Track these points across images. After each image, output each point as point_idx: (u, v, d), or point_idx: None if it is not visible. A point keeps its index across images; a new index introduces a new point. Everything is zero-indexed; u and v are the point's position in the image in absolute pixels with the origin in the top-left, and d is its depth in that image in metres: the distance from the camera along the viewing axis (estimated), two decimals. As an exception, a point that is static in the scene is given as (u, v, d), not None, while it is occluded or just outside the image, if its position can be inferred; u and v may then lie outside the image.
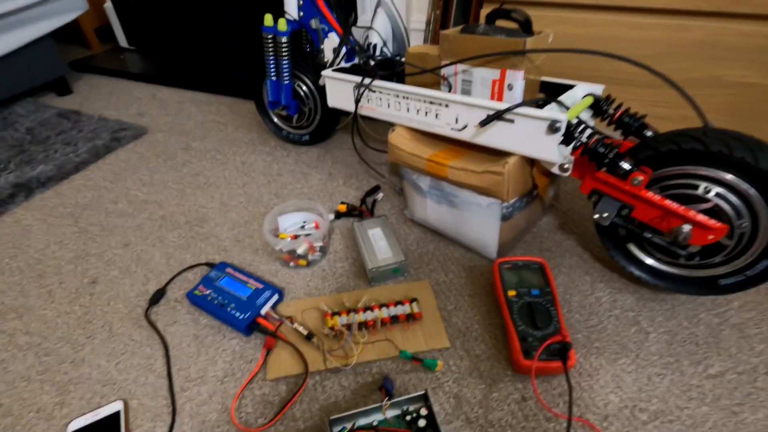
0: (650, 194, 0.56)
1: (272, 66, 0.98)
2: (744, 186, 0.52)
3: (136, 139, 1.19)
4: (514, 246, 0.77)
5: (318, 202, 0.90)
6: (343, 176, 1.00)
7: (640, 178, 0.55)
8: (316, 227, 0.80)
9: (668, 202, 0.55)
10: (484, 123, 0.63)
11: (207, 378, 0.60)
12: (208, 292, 0.69)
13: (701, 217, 0.53)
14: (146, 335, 0.66)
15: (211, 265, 0.76)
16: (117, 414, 0.56)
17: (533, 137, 0.61)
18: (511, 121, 0.62)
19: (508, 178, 0.63)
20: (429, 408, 0.52)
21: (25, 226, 0.90)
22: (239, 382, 0.59)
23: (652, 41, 0.95)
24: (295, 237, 0.78)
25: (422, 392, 0.53)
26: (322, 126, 1.06)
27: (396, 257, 0.72)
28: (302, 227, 0.81)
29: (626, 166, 0.56)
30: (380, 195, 0.91)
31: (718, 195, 0.54)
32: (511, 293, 0.63)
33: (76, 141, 1.16)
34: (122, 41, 1.94)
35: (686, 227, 0.55)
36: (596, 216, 0.61)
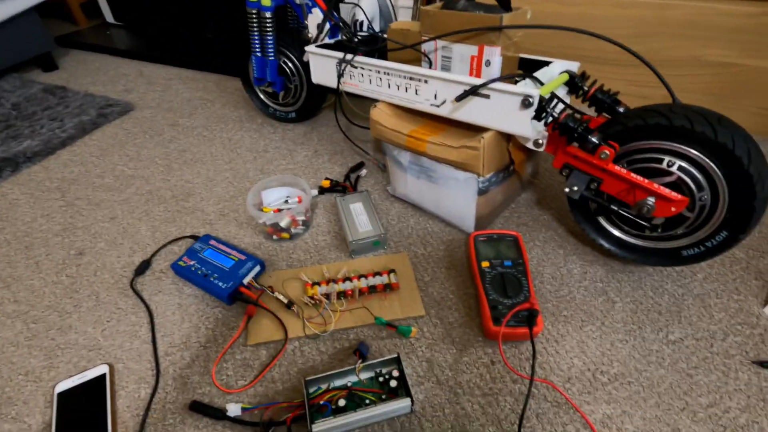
0: (617, 168, 0.58)
1: (257, 42, 0.98)
2: (704, 159, 0.54)
3: (122, 115, 1.19)
4: (491, 221, 0.79)
5: (302, 178, 0.91)
6: (328, 153, 1.01)
7: (607, 152, 0.57)
8: (299, 202, 0.82)
9: (634, 176, 0.57)
10: (460, 98, 0.64)
11: (190, 344, 0.62)
12: (192, 263, 0.71)
13: (664, 190, 0.55)
14: (132, 304, 0.69)
15: (195, 237, 0.78)
16: (103, 376, 0.58)
17: (508, 112, 0.63)
18: (487, 96, 0.64)
19: (483, 153, 0.65)
20: (400, 370, 0.55)
21: (12, 200, 0.91)
22: (221, 347, 0.62)
23: (636, 20, 0.96)
24: (279, 211, 0.80)
25: (395, 355, 0.56)
26: (308, 103, 1.07)
27: (376, 230, 0.74)
28: (286, 201, 0.83)
29: (594, 140, 0.58)
30: (364, 171, 0.93)
31: (680, 168, 0.56)
32: (485, 264, 0.65)
33: (63, 117, 1.16)
34: (109, 17, 1.91)
35: (650, 200, 0.57)
36: (567, 189, 0.63)
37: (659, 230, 0.61)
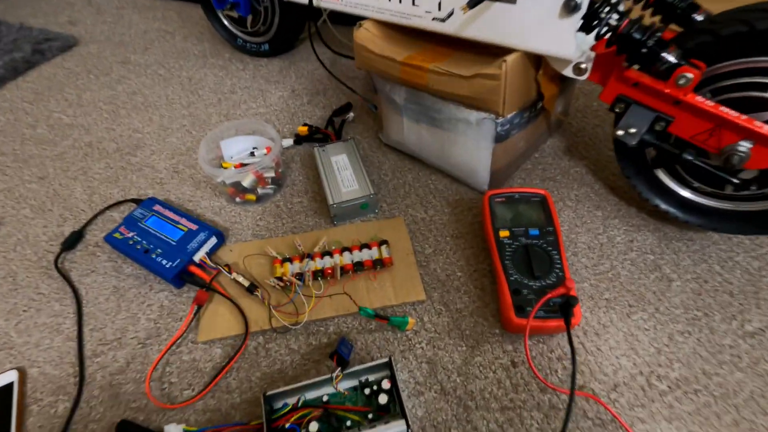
0: (699, 99, 0.41)
1: (211, -53, 0.77)
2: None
3: (64, 51, 1.00)
4: (510, 175, 0.63)
5: (268, 124, 0.74)
6: (308, 93, 0.83)
7: (690, 75, 0.40)
8: (267, 153, 0.65)
9: (725, 110, 0.40)
10: (472, 4, 0.45)
11: (125, 340, 0.49)
12: (130, 234, 0.56)
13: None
14: (56, 288, 0.55)
15: (138, 201, 0.62)
16: (10, 386, 0.45)
17: (541, 23, 0.44)
18: (512, 0, 0.45)
19: (505, 84, 0.47)
20: (393, 379, 0.41)
21: (-75, 156, 0.75)
22: (164, 345, 0.48)
23: None
24: (241, 166, 0.63)
25: (385, 359, 0.42)
26: (282, 31, 0.87)
27: (363, 190, 0.58)
28: (252, 154, 0.66)
29: (670, 58, 0.40)
30: (351, 115, 0.75)
31: (798, 98, 0.38)
32: (504, 234, 0.50)
33: (-8, 54, 0.97)
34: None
35: (745, 145, 0.40)
36: (620, 132, 0.46)
37: (754, 187, 0.44)
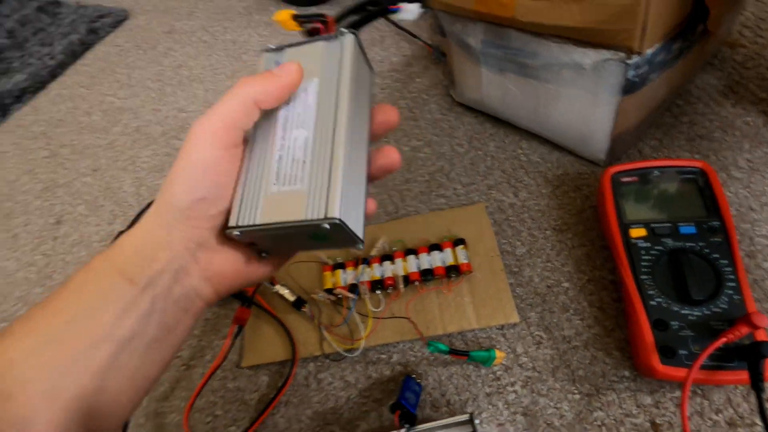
0: None
1: None
2: None
3: (115, 27, 0.95)
4: (639, 137, 0.45)
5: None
6: (364, 45, 0.69)
7: None
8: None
9: None
10: None
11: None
12: (170, 236, 0.50)
13: None
14: (106, 295, 0.51)
15: (179, 195, 0.56)
16: (61, 410, 0.42)
17: None
18: None
19: (646, 1, 0.30)
20: (476, 446, 0.30)
21: (1, 153, 0.76)
22: (207, 367, 0.42)
23: None
24: (285, 147, 0.53)
25: (464, 416, 0.31)
26: (329, -31, 0.72)
27: (315, 202, 0.22)
28: (297, 130, 0.56)
29: None
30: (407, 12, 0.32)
31: None
32: (638, 233, 0.34)
33: (53, 39, 0.96)
34: None
35: None
36: None
37: None
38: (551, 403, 0.33)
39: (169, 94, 0.74)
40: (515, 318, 0.37)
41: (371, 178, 0.26)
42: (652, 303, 0.31)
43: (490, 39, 0.42)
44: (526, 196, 0.45)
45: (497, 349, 0.36)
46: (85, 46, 0.93)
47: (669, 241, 0.33)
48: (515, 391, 0.35)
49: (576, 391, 0.33)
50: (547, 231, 0.42)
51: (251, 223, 0.22)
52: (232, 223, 0.23)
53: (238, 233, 0.23)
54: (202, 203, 0.23)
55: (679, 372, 0.29)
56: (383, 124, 0.27)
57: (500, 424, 0.33)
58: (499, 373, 0.36)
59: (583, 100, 0.39)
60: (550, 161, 0.46)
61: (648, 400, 0.32)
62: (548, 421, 0.33)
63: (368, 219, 0.25)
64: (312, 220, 0.21)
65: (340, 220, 0.21)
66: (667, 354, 0.30)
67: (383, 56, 0.65)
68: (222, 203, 0.23)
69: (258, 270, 0.26)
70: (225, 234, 0.23)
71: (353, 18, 0.30)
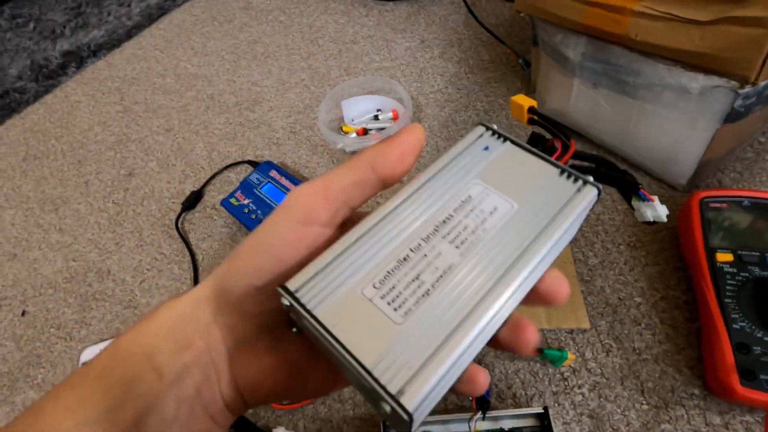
0: None
1: None
2: None
3: (192, -3, 0.98)
4: (720, 169, 0.45)
5: (398, 81, 0.63)
6: (440, 44, 0.70)
7: None
8: (395, 119, 0.56)
9: None
10: None
11: (237, 318, 0.46)
12: (246, 201, 0.52)
13: None
14: (176, 249, 0.53)
15: (254, 164, 0.58)
16: (131, 350, 0.44)
17: None
18: None
19: (774, 34, 0.31)
20: (548, 437, 0.31)
21: (75, 102, 0.79)
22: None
23: None
24: (364, 132, 0.55)
25: (539, 409, 0.32)
26: (415, -33, 0.73)
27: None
28: (375, 117, 0.57)
29: None
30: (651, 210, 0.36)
31: None
32: (724, 258, 0.35)
33: (130, 1, 0.99)
34: None
35: None
36: None
37: None
38: (618, 410, 0.34)
39: (243, 67, 0.77)
40: (586, 324, 0.38)
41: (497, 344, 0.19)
42: (735, 326, 0.32)
43: (591, 53, 0.43)
44: (601, 210, 0.46)
45: (568, 351, 0.37)
46: (161, 11, 0.96)
47: (756, 270, 0.34)
48: (582, 394, 0.36)
49: (645, 402, 0.34)
50: (621, 246, 0.43)
51: (309, 306, 0.16)
52: (290, 284, 0.16)
53: (287, 303, 0.16)
54: (261, 293, 0.17)
55: (759, 395, 0.30)
56: (545, 297, 0.18)
57: (566, 423, 0.34)
58: (566, 374, 0.37)
59: (679, 123, 0.40)
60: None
61: (717, 419, 0.33)
62: (615, 426, 0.34)
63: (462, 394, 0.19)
64: (377, 383, 0.14)
65: (410, 417, 0.14)
66: (748, 377, 0.30)
67: (460, 57, 0.67)
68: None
69: (301, 385, 0.20)
70: (276, 289, 0.16)
71: (589, 164, 0.24)
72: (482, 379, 0.18)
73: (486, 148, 0.20)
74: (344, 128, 0.56)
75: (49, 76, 0.85)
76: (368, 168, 0.18)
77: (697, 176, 0.43)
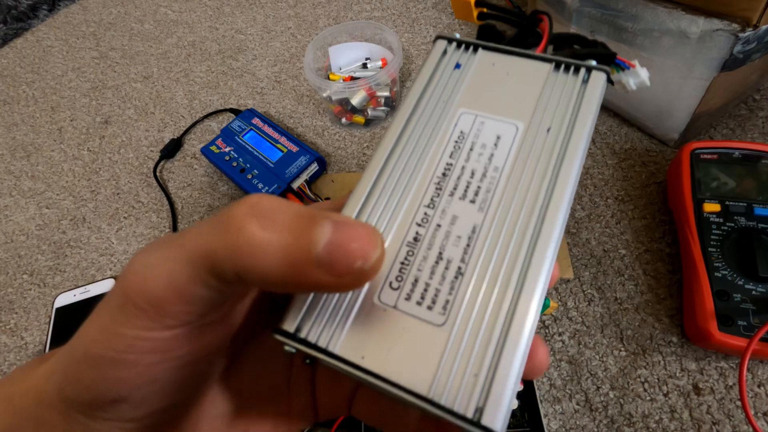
0: None
1: None
2: None
3: (172, -61, 0.92)
4: (712, 124, 0.45)
5: (388, 26, 0.61)
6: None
7: None
8: (383, 66, 0.54)
9: None
10: None
11: (217, 266, 0.45)
12: (227, 149, 0.50)
13: None
14: (154, 198, 0.51)
15: (236, 111, 0.56)
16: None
17: None
18: None
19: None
20: (526, 381, 0.31)
21: (47, 47, 0.75)
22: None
23: None
24: (351, 79, 0.53)
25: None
26: None
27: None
28: (364, 66, 0.55)
29: None
30: (635, 77, 0.20)
31: None
32: (711, 208, 0.35)
33: (106, -59, 0.92)
34: None
35: None
36: None
37: None
38: (597, 356, 0.35)
39: (227, 14, 0.73)
40: (570, 274, 0.38)
41: None
42: (717, 274, 0.32)
43: (589, -3, 0.41)
44: (590, 164, 0.45)
45: (550, 299, 0.37)
46: (139, -47, 0.90)
47: (742, 220, 0.34)
48: (562, 341, 0.36)
49: (623, 349, 0.35)
50: (609, 199, 0.42)
51: (321, 344, 0.12)
52: (286, 326, 0.13)
53: (292, 350, 0.12)
54: (116, 405, 0.13)
55: (735, 340, 0.30)
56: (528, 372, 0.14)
57: (548, 370, 0.35)
58: (547, 322, 0.37)
59: (675, 71, 0.38)
60: (618, 134, 0.46)
61: (693, 365, 0.33)
62: (593, 371, 0.34)
63: None
64: (445, 410, 0.11)
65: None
66: (726, 322, 0.31)
67: (446, 3, 0.64)
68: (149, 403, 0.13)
69: None
70: (274, 337, 0.13)
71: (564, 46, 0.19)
72: (542, 355, 0.13)
73: (457, 66, 0.17)
74: (331, 76, 0.54)
75: (18, 18, 0.80)
76: (212, 261, 0.11)
77: (689, 131, 0.42)
